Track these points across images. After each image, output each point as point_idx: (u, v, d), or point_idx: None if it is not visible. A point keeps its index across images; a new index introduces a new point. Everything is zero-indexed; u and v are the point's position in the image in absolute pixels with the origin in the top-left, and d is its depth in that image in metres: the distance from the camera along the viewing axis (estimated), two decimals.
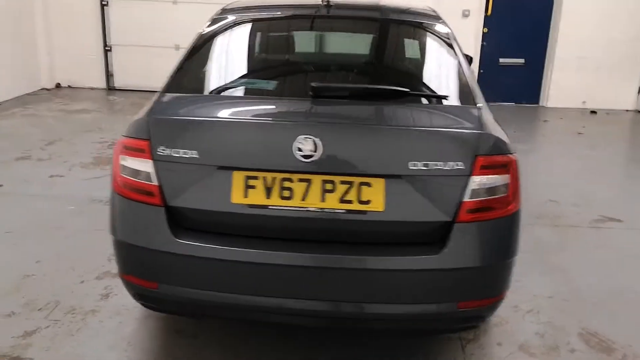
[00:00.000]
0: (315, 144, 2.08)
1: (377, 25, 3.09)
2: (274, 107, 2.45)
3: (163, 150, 2.18)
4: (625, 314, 3.07)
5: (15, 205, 4.37)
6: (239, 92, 2.63)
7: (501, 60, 9.12)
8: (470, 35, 8.92)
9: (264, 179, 2.13)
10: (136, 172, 2.23)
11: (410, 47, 2.94)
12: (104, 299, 3.08)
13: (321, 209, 2.11)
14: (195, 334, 2.79)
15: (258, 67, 2.98)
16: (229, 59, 2.82)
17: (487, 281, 2.20)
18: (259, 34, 3.01)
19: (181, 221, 2.20)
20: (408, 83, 2.57)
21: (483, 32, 9.03)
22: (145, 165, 2.20)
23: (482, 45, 9.05)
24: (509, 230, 2.20)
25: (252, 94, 2.61)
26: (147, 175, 2.20)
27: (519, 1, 8.91)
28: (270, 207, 2.12)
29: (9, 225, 3.95)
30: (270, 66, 2.97)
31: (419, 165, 2.09)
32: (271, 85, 2.69)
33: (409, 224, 2.12)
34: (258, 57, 2.99)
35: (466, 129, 2.21)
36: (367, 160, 2.11)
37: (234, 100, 2.56)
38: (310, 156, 2.08)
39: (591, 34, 8.74)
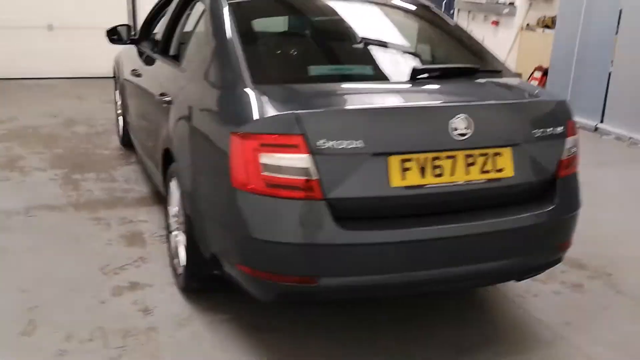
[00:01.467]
0: (469, 122, 2.27)
1: (412, 13, 3.32)
2: (397, 91, 2.53)
3: (323, 142, 2.14)
4: None
5: None
6: (348, 78, 2.64)
7: None
8: None
9: (418, 160, 2.25)
10: (288, 169, 2.15)
11: (442, 30, 3.21)
12: (149, 314, 2.81)
13: (467, 181, 2.31)
14: (275, 327, 2.76)
15: (338, 53, 2.96)
16: (306, 47, 2.77)
17: (572, 226, 2.64)
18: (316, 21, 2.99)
19: (340, 212, 2.20)
20: (463, 60, 2.86)
21: None
22: (301, 161, 2.14)
23: None
24: (578, 181, 2.67)
25: (362, 80, 2.64)
26: (304, 171, 2.14)
27: None
28: (425, 186, 2.26)
29: None
30: (346, 52, 2.98)
31: (538, 133, 2.43)
32: (367, 70, 2.73)
33: (530, 184, 2.45)
34: (330, 43, 2.97)
35: (551, 97, 2.60)
36: (499, 133, 2.37)
37: (360, 87, 2.57)
38: (465, 134, 2.27)
39: None
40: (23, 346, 2.54)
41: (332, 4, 3.22)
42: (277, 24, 3.01)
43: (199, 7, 3.22)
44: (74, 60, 8.08)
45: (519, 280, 2.75)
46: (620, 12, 6.33)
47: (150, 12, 4.42)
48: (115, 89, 5.38)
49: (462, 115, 2.26)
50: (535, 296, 3.08)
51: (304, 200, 2.15)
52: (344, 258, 2.20)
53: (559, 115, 2.51)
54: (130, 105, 4.36)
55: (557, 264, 2.68)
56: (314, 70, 2.70)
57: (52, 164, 4.81)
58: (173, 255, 3.07)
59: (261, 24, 2.94)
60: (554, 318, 2.90)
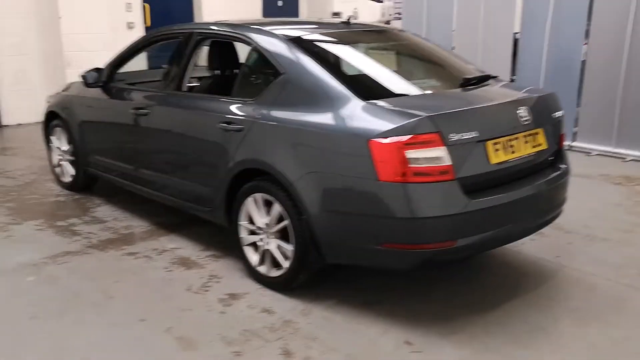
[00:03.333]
0: (528, 112, 3.19)
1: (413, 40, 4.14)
2: (469, 94, 3.36)
3: (452, 136, 2.87)
4: None
5: None
6: (431, 89, 3.39)
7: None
8: None
9: (501, 142, 3.10)
10: (430, 159, 2.84)
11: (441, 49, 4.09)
12: (272, 313, 3.21)
13: (527, 154, 3.23)
14: (381, 300, 3.37)
15: (409, 71, 3.63)
16: (375, 68, 3.49)
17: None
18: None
19: (465, 187, 2.92)
20: (471, 72, 3.78)
21: None
22: (439, 152, 2.85)
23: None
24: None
25: (439, 88, 3.42)
26: (442, 159, 2.85)
27: (169, 12, 9.84)
28: (507, 161, 3.11)
29: None
30: (406, 70, 3.67)
31: (556, 116, 3.44)
32: (433, 82, 3.47)
33: (551, 153, 3.45)
34: (390, 64, 3.64)
35: (548, 91, 3.63)
36: (537, 118, 3.30)
37: (446, 94, 3.39)
38: (528, 120, 3.18)
39: None
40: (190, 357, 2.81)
41: (369, 35, 3.98)
42: (340, 53, 3.62)
43: (240, 46, 3.69)
44: None
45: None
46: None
47: (118, 57, 4.60)
48: (50, 135, 5.30)
49: (523, 107, 3.17)
50: (532, 240, 4.07)
51: (443, 182, 2.85)
52: (472, 221, 2.94)
53: (557, 103, 3.54)
54: (123, 144, 4.47)
55: (561, 214, 3.70)
56: (396, 85, 3.39)
57: (20, 217, 4.65)
58: (255, 263, 3.50)
59: (328, 54, 3.52)
60: (547, 255, 3.92)
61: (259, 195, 3.41)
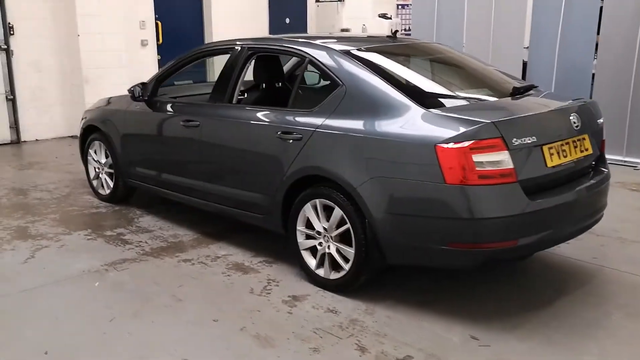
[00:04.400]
0: (578, 118, 3.40)
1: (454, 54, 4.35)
2: (521, 102, 3.56)
3: (514, 141, 3.07)
4: None
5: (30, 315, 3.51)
6: (484, 98, 3.60)
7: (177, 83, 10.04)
8: (149, 62, 9.58)
9: (555, 147, 3.28)
10: (494, 163, 3.03)
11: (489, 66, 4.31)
12: (337, 312, 3.36)
13: (577, 158, 3.43)
14: (435, 299, 3.54)
15: (458, 81, 3.84)
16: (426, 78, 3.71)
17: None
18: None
19: (525, 189, 3.10)
20: (509, 81, 3.98)
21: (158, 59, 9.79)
22: (503, 156, 3.04)
23: None
24: None
25: (491, 97, 3.60)
26: (505, 162, 3.04)
27: (180, 30, 10.02)
28: (561, 164, 3.31)
29: (62, 342, 3.28)
30: (462, 80, 3.89)
31: (599, 122, 3.66)
32: (484, 91, 3.68)
33: (595, 158, 3.66)
34: (450, 76, 3.85)
35: (590, 99, 3.84)
36: (584, 124, 3.50)
37: (502, 102, 3.55)
38: (578, 126, 3.39)
39: None
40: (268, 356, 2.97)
41: (415, 47, 4.22)
42: (393, 64, 3.81)
43: (296, 60, 3.89)
44: None
45: None
46: None
47: (163, 72, 4.77)
48: (88, 148, 5.43)
49: (574, 114, 3.38)
50: (567, 244, 4.26)
51: (506, 184, 3.04)
52: (532, 221, 3.13)
53: (598, 110, 3.76)
54: (170, 155, 4.62)
55: (602, 216, 3.88)
56: (451, 94, 3.60)
57: (68, 227, 4.76)
58: (314, 266, 3.65)
59: (382, 65, 3.71)
60: (584, 257, 4.12)
61: (318, 201, 3.58)
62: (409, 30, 9.48)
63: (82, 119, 5.57)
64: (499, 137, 3.03)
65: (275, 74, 4.55)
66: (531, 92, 3.79)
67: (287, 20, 11.37)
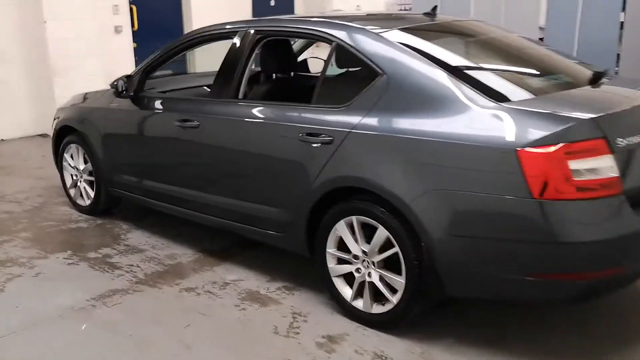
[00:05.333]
0: None
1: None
2: (604, 91, 2.93)
3: (620, 142, 2.42)
4: None
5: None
6: (561, 87, 2.91)
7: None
8: (125, 51, 8.76)
9: None
10: (596, 170, 2.38)
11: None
12: (385, 358, 2.74)
13: None
14: (502, 336, 2.91)
15: (525, 67, 3.16)
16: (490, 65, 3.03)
17: None
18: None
19: (631, 200, 2.43)
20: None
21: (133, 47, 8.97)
22: (606, 161, 2.39)
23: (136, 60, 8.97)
24: None
25: (567, 87, 2.91)
26: (609, 169, 2.39)
27: (157, 14, 9.20)
28: None
29: None
30: (527, 65, 3.21)
31: None
32: (561, 78, 3.00)
33: None
34: (513, 61, 3.17)
35: None
36: None
37: (587, 93, 2.88)
38: None
39: None
40: None
41: (460, 27, 3.53)
42: (443, 48, 3.11)
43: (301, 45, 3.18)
44: None
45: None
46: None
47: (150, 62, 4.03)
48: (63, 152, 4.67)
49: None
50: None
51: (611, 197, 2.40)
52: None
53: None
54: (163, 161, 3.90)
55: None
56: (523, 83, 2.92)
57: (44, 249, 4.02)
58: (350, 297, 3.01)
59: (431, 50, 3.01)
60: None
61: (355, 218, 2.91)
62: (409, 9, 8.79)
63: (55, 119, 4.79)
64: (602, 138, 2.38)
65: (288, 62, 3.84)
66: (606, 78, 3.13)
67: (272, 3, 10.59)
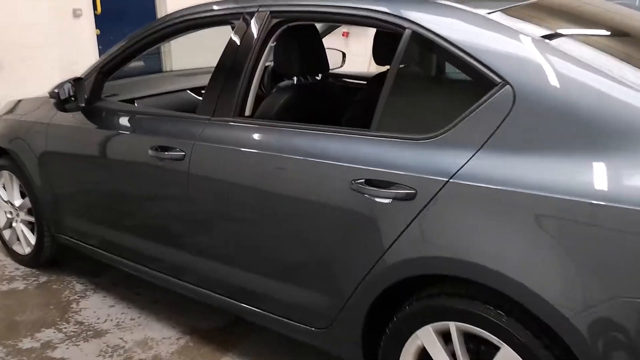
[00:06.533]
0: None
1: None
2: None
3: None
4: None
5: None
6: None
7: None
8: (86, 39, 7.45)
9: None
10: None
11: None
12: None
13: None
14: None
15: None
16: None
17: None
18: None
19: None
20: None
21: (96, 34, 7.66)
22: None
23: (100, 50, 7.67)
24: None
25: None
26: None
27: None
28: None
29: None
30: None
31: None
32: None
33: None
34: None
35: None
36: None
37: None
38: None
39: None
40: None
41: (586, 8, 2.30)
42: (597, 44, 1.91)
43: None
44: None
45: None
46: None
47: (108, 59, 2.78)
48: None
49: None
50: None
51: None
52: None
53: None
54: (133, 204, 2.67)
55: None
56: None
57: None
58: None
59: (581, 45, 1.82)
60: None
61: (453, 325, 1.74)
62: None
63: None
64: None
65: (319, 60, 2.58)
66: None
67: None
